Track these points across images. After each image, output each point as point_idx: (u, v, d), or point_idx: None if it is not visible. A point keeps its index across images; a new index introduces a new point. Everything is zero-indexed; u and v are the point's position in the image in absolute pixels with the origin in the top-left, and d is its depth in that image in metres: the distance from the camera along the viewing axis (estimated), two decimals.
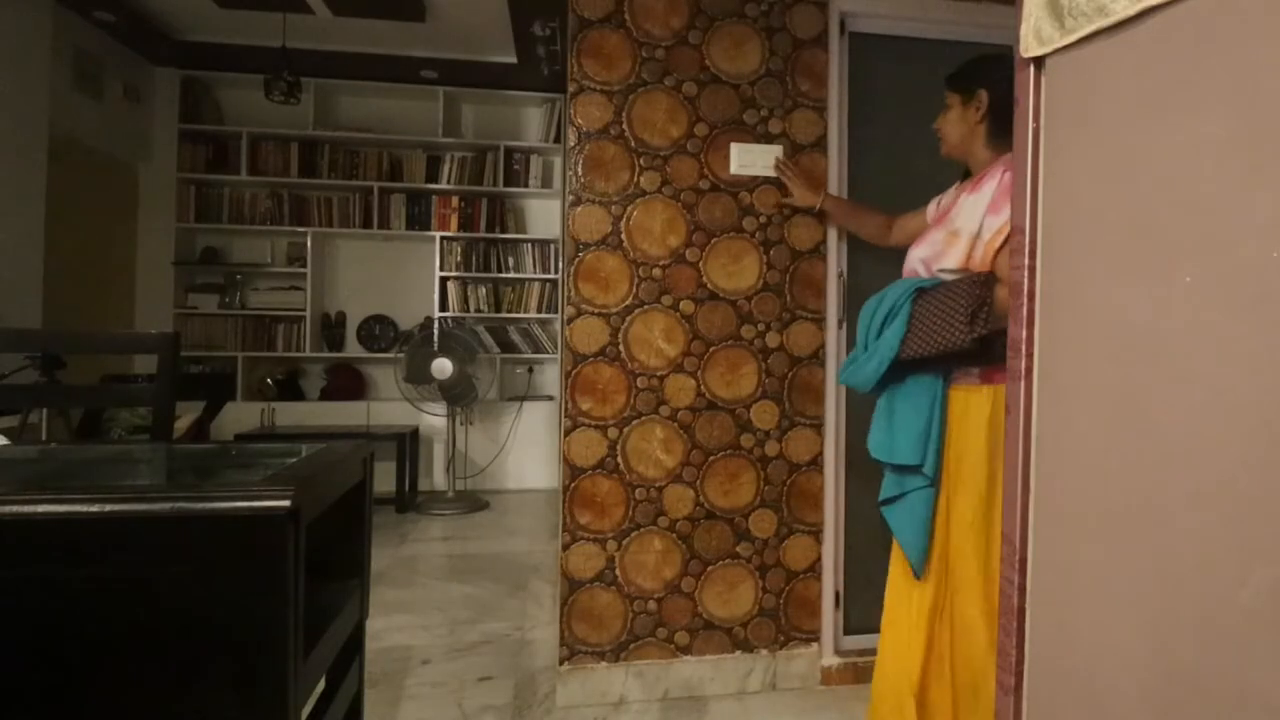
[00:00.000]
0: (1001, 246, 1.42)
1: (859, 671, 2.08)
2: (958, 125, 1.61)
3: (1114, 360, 0.79)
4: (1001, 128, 1.54)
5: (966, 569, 1.49)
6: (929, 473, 1.49)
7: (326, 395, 4.63)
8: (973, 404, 1.48)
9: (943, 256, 1.52)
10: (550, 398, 4.85)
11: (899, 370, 1.53)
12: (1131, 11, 0.74)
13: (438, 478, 4.62)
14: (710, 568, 2.03)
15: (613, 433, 1.98)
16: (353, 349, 4.73)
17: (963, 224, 1.50)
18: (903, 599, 1.59)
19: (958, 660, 1.51)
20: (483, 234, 4.71)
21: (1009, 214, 1.38)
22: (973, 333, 1.39)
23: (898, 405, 1.55)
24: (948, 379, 1.51)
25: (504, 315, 4.75)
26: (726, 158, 2.02)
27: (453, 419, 4.40)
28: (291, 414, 4.39)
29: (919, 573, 1.52)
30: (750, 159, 2.03)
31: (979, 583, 1.47)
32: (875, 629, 2.08)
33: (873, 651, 2.09)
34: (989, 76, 1.56)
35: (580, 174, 1.96)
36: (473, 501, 4.29)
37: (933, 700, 1.52)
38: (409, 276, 4.76)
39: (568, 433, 1.97)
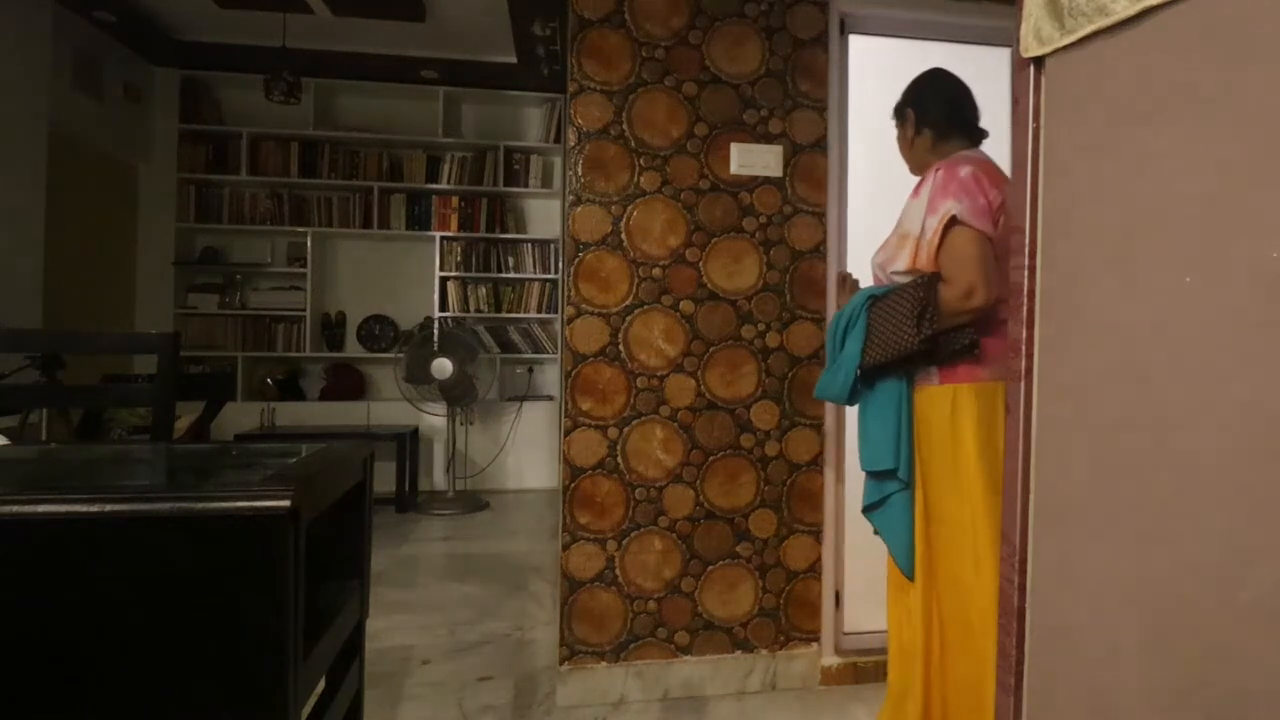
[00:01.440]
0: (939, 245, 1.47)
1: (859, 671, 2.08)
2: (904, 147, 1.73)
3: (1114, 360, 0.79)
4: (939, 135, 1.64)
5: (951, 567, 1.51)
6: (903, 476, 1.52)
7: (326, 395, 4.62)
8: (935, 403, 1.52)
9: (894, 260, 1.57)
10: (550, 398, 4.85)
11: (868, 379, 1.58)
12: (1131, 11, 0.74)
13: (438, 478, 4.62)
14: (710, 568, 2.03)
15: (613, 433, 1.98)
16: (353, 349, 4.73)
17: (909, 227, 1.54)
18: (897, 603, 1.61)
19: (948, 658, 1.52)
20: (483, 234, 4.71)
21: (945, 210, 1.46)
22: (920, 334, 1.44)
23: (870, 413, 1.59)
24: (911, 382, 1.55)
25: (504, 315, 4.75)
26: (726, 158, 2.02)
27: (453, 419, 4.40)
28: (291, 414, 4.39)
29: (909, 574, 1.54)
30: (750, 159, 2.03)
31: (962, 580, 1.49)
32: (875, 628, 2.09)
33: (873, 651, 2.10)
34: (910, 96, 1.70)
35: (580, 174, 1.96)
36: (473, 501, 4.28)
37: (934, 703, 1.53)
38: (409, 276, 4.76)
39: (568, 433, 1.97)
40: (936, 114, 1.64)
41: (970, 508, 1.47)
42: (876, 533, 1.65)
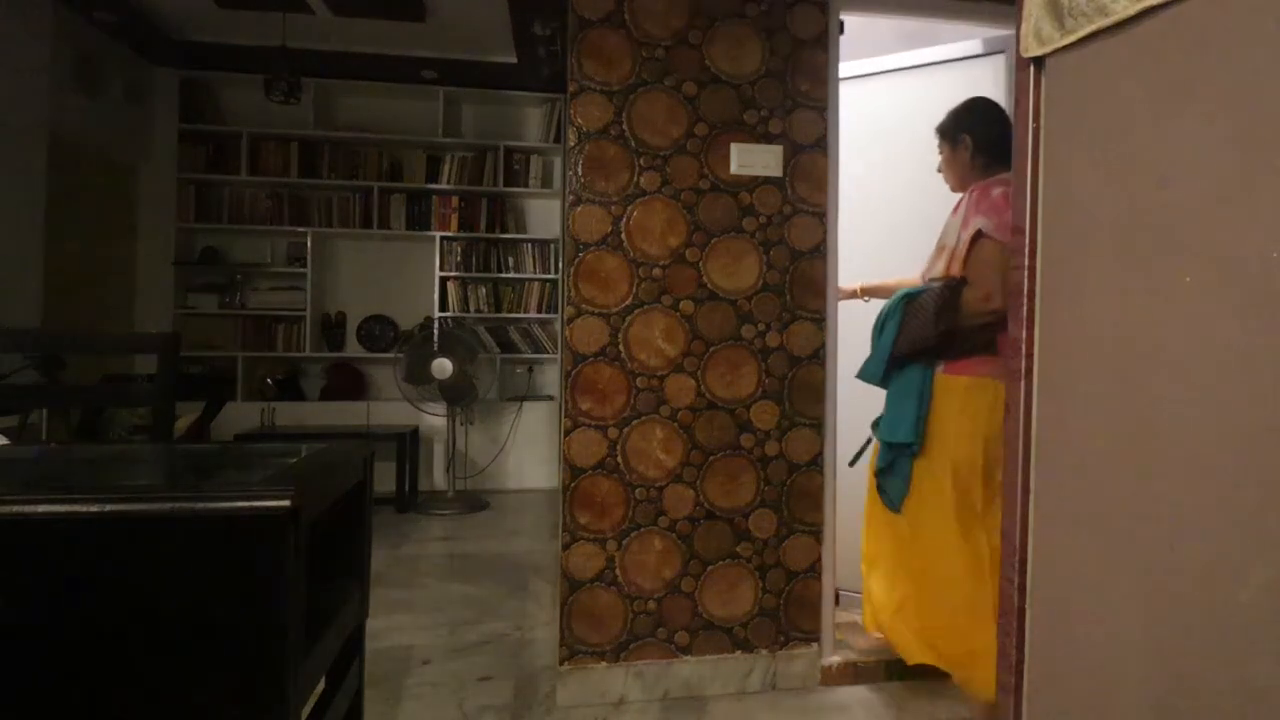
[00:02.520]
0: (967, 254, 1.69)
1: (859, 671, 2.08)
2: (952, 166, 1.91)
3: (1113, 360, 0.79)
4: (988, 161, 1.81)
5: (934, 521, 1.78)
6: (917, 450, 1.80)
7: (326, 395, 4.62)
8: (941, 389, 1.79)
9: (932, 268, 1.83)
10: (550, 398, 4.85)
11: (900, 366, 1.84)
12: (1131, 11, 0.74)
13: (438, 478, 4.62)
14: (710, 568, 2.03)
15: (613, 433, 1.97)
16: (353, 349, 4.73)
17: (947, 240, 1.79)
18: (881, 537, 1.91)
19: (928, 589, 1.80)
20: (483, 234, 4.71)
21: (975, 225, 1.66)
22: (936, 328, 1.69)
23: (897, 394, 1.85)
24: (933, 370, 1.80)
25: (504, 315, 4.75)
26: (726, 158, 2.02)
27: (453, 419, 4.40)
28: (291, 414, 4.38)
29: (897, 509, 1.83)
30: (750, 159, 2.02)
31: (954, 529, 1.74)
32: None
33: (874, 651, 2.10)
34: (969, 122, 1.86)
35: (580, 174, 1.96)
36: (473, 501, 4.28)
37: (911, 619, 1.82)
38: (409, 276, 4.76)
39: (568, 433, 1.97)
40: (993, 141, 1.78)
41: (968, 476, 1.71)
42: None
